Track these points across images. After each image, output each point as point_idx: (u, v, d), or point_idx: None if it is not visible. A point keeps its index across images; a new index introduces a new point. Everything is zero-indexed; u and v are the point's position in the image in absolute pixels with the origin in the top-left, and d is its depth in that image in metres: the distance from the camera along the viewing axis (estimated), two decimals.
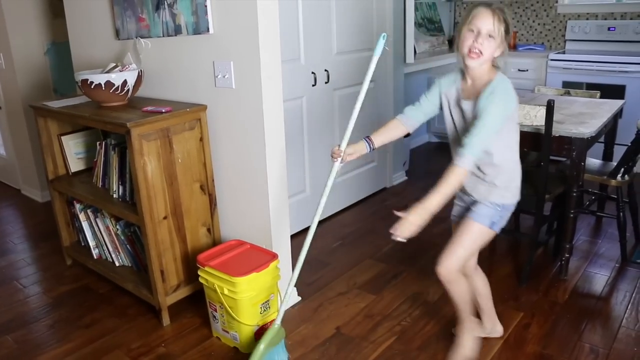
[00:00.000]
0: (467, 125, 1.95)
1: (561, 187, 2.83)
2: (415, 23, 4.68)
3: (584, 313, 2.57)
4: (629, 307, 2.60)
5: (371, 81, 4.01)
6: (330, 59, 3.52)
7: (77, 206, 2.97)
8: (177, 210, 2.53)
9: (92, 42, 3.12)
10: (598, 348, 2.31)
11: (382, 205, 3.97)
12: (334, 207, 3.81)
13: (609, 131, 3.24)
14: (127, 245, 2.80)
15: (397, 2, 3.98)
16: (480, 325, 2.36)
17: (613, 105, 3.12)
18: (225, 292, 2.27)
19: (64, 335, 2.55)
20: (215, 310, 2.41)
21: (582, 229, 3.45)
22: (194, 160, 2.55)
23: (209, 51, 2.47)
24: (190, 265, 2.60)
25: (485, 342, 2.36)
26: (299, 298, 2.76)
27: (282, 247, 2.61)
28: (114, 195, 2.70)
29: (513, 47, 5.21)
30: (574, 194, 2.75)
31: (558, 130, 2.64)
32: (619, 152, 3.09)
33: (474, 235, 2.04)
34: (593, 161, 3.23)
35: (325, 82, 3.49)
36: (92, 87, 2.56)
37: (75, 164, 3.08)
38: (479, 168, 1.99)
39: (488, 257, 3.14)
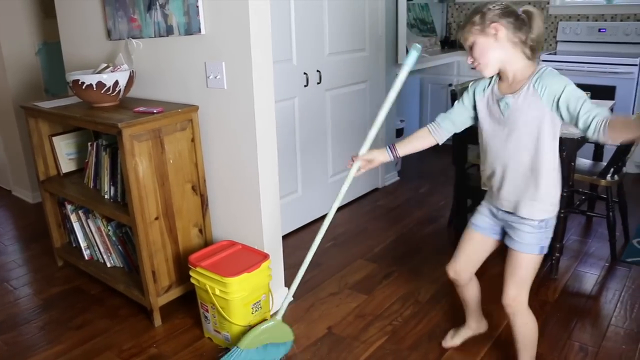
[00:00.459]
0: (511, 129, 1.79)
1: None
2: (407, 24, 4.69)
3: (574, 312, 2.59)
4: (618, 306, 2.62)
5: (363, 82, 4.05)
6: (322, 59, 3.52)
7: (68, 207, 2.96)
8: (169, 210, 2.52)
9: (83, 42, 3.11)
10: (587, 346, 2.33)
11: (374, 205, 3.98)
12: (326, 207, 3.79)
13: None
14: (119, 246, 2.80)
15: (389, 3, 4.00)
16: (466, 328, 2.35)
17: (603, 106, 3.13)
18: (217, 292, 2.27)
19: (55, 336, 2.54)
20: (207, 311, 2.41)
21: (573, 228, 3.47)
22: (186, 161, 2.55)
23: (201, 52, 2.47)
24: (182, 265, 2.60)
25: (476, 341, 2.37)
26: (291, 298, 2.76)
27: (274, 248, 2.61)
28: (106, 196, 2.70)
29: None
30: (564, 194, 2.76)
31: None
32: (608, 152, 3.11)
33: (528, 266, 1.91)
34: (583, 161, 3.26)
35: (318, 83, 3.50)
36: (84, 87, 2.55)
37: (67, 165, 3.07)
38: (522, 179, 1.82)
39: None
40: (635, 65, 4.28)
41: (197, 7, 2.38)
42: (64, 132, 3.04)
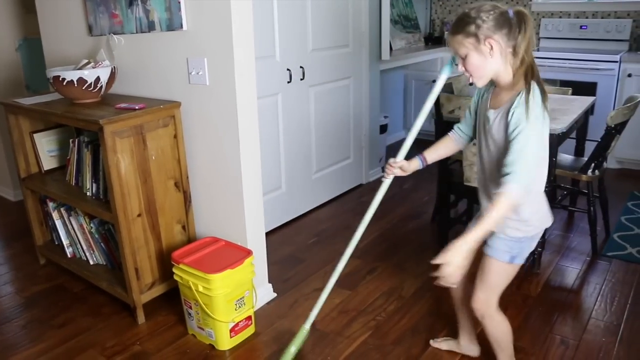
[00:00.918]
0: (488, 140, 1.77)
1: None
2: (391, 20, 4.70)
3: (556, 305, 2.62)
4: (598, 299, 2.65)
5: (346, 78, 4.05)
6: (305, 55, 3.52)
7: (50, 204, 2.94)
8: (152, 207, 2.51)
9: (64, 38, 3.08)
10: (568, 339, 2.36)
11: (358, 201, 3.99)
12: (310, 203, 3.82)
13: (580, 127, 3.30)
14: (101, 244, 2.78)
15: None
16: (457, 342, 2.32)
17: (584, 102, 3.18)
18: (200, 289, 2.26)
19: (37, 335, 2.52)
20: (191, 308, 2.40)
21: (555, 223, 3.49)
22: (168, 157, 2.54)
23: (183, 47, 2.46)
24: (165, 262, 2.59)
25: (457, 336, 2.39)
26: (275, 294, 2.77)
27: (257, 244, 2.61)
28: (88, 193, 2.68)
29: None
30: (546, 189, 2.79)
31: None
32: (590, 147, 3.14)
33: (495, 272, 1.87)
34: (565, 157, 3.29)
35: (301, 79, 3.50)
36: (64, 83, 2.53)
37: (48, 162, 3.04)
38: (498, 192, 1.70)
39: None
40: (616, 62, 4.33)
41: (179, 2, 2.37)
42: (46, 129, 3.01)
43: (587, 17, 4.90)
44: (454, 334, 2.39)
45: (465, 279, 2.04)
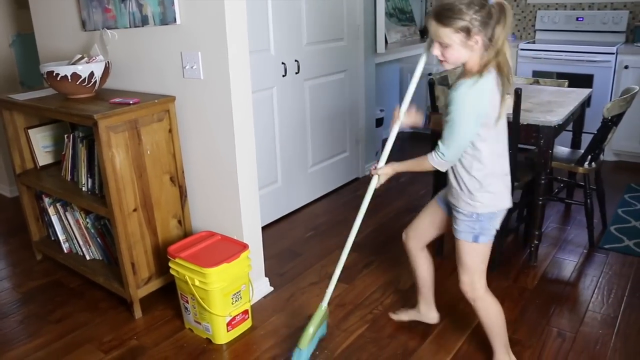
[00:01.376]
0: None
1: (530, 174, 2.88)
2: (386, 13, 4.69)
3: (553, 298, 2.62)
4: (595, 292, 2.66)
5: (341, 71, 4.05)
6: (300, 49, 3.51)
7: (46, 200, 2.93)
8: (147, 202, 2.51)
9: (57, 33, 3.06)
10: (565, 332, 2.36)
11: (354, 195, 3.99)
12: (306, 197, 3.81)
13: (577, 119, 3.30)
14: (98, 239, 2.77)
15: None
16: (415, 310, 2.41)
17: (580, 94, 3.17)
18: (197, 283, 2.26)
19: (35, 330, 2.52)
20: (187, 302, 2.40)
21: (552, 216, 3.51)
22: (163, 152, 2.53)
23: (177, 42, 2.44)
24: (161, 257, 2.59)
25: (456, 327, 2.40)
26: (271, 288, 2.77)
27: (253, 238, 2.60)
28: (83, 188, 2.67)
29: None
30: (542, 182, 2.79)
31: (526, 118, 2.68)
32: (586, 140, 3.14)
33: (466, 252, 1.98)
34: (561, 149, 3.29)
35: (296, 73, 3.49)
36: (58, 79, 2.51)
37: (43, 158, 3.03)
38: (454, 170, 1.92)
39: None
40: (613, 53, 4.33)
41: None
42: (40, 125, 2.99)
43: (583, 9, 4.89)
44: (451, 327, 2.40)
45: (420, 238, 2.22)
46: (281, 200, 3.59)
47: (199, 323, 2.38)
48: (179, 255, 2.33)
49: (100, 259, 2.84)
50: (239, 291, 2.36)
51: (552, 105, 2.89)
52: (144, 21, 2.52)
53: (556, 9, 5.00)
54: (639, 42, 4.49)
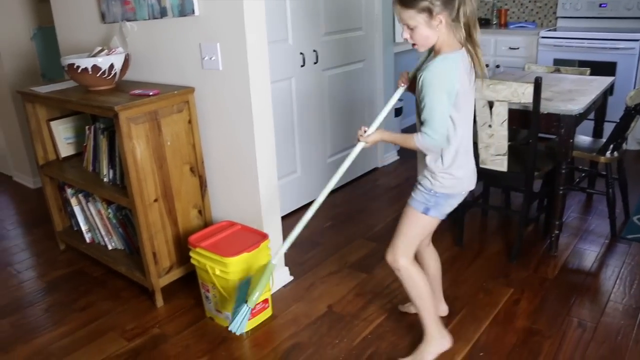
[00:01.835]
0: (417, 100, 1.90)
1: (551, 164, 2.85)
2: None
3: (573, 288, 2.60)
4: (617, 282, 2.63)
5: (360, 61, 4.03)
6: (318, 39, 3.50)
7: (69, 191, 2.97)
8: (168, 192, 2.53)
9: (77, 26, 3.10)
10: (586, 322, 2.34)
11: (373, 185, 3.99)
12: (318, 191, 3.81)
13: (599, 108, 3.25)
14: (119, 229, 2.81)
15: None
16: None
17: (602, 82, 3.13)
18: (217, 272, 2.29)
19: (59, 318, 2.57)
20: (208, 291, 2.43)
21: (573, 205, 3.47)
22: (183, 143, 2.55)
23: (195, 33, 2.45)
24: (182, 246, 2.62)
25: (475, 317, 2.39)
26: (291, 277, 2.79)
27: (273, 228, 2.62)
28: (105, 179, 2.71)
29: (504, 25, 5.19)
30: (563, 171, 2.76)
31: (546, 107, 2.65)
32: (609, 128, 3.10)
33: (409, 220, 2.01)
34: (583, 138, 3.25)
35: (314, 63, 3.48)
36: (79, 71, 2.54)
37: (65, 149, 3.07)
38: None
39: (478, 234, 3.17)
40: (637, 40, 4.25)
41: None
42: (62, 117, 3.03)
43: None
44: (470, 316, 2.40)
45: (423, 246, 2.21)
46: (300, 190, 3.60)
47: (220, 312, 2.41)
48: (199, 245, 2.35)
49: (122, 248, 2.88)
50: None
51: (574, 94, 2.85)
52: (163, 13, 2.53)
53: None
54: None
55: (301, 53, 3.37)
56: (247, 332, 2.37)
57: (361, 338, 2.32)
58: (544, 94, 2.64)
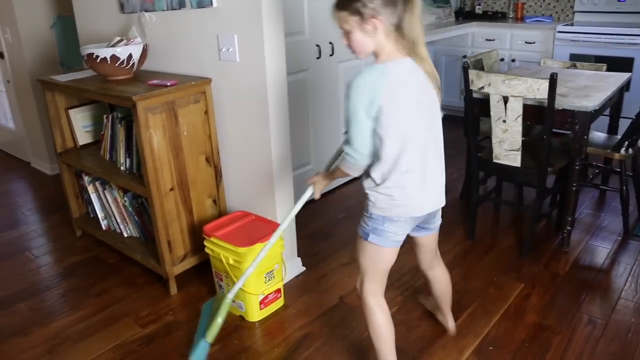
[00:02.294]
0: None
1: (564, 160, 2.85)
2: None
3: (584, 285, 2.61)
4: (628, 280, 2.63)
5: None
6: (334, 31, 3.48)
7: (86, 178, 3.02)
8: (183, 181, 2.57)
9: (97, 16, 3.13)
10: (596, 319, 2.35)
11: None
12: (338, 180, 3.83)
13: (615, 104, 3.24)
14: (135, 217, 2.85)
15: None
16: (438, 308, 2.29)
17: (619, 78, 3.11)
18: (231, 262, 2.32)
19: (75, 303, 2.63)
20: (221, 280, 2.46)
21: (586, 202, 3.46)
22: (199, 133, 2.58)
23: (213, 24, 2.48)
24: (197, 235, 2.65)
25: (485, 312, 2.41)
26: (303, 268, 2.82)
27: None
28: (121, 168, 2.75)
29: (520, 19, 5.16)
30: (577, 167, 2.76)
31: (561, 103, 2.64)
32: (624, 125, 3.08)
33: (358, 250, 1.87)
34: (597, 134, 3.24)
35: (330, 55, 3.49)
36: (98, 61, 2.58)
37: (83, 137, 3.12)
38: None
39: (490, 229, 3.18)
40: None
41: None
42: (80, 105, 3.08)
43: None
44: (480, 310, 2.42)
45: (421, 261, 2.12)
46: None
47: (233, 301, 2.44)
48: (214, 234, 2.39)
49: (137, 236, 2.92)
50: (272, 270, 2.42)
51: (589, 90, 2.84)
52: (181, 4, 2.55)
53: None
54: None
55: (317, 45, 3.38)
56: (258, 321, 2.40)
57: None
58: (559, 90, 2.64)
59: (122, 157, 2.74)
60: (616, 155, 2.95)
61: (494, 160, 2.81)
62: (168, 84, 2.45)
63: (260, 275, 2.37)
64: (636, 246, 2.93)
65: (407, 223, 1.79)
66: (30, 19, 4.04)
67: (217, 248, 2.37)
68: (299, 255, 2.82)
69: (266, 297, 2.42)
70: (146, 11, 2.74)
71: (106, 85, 2.60)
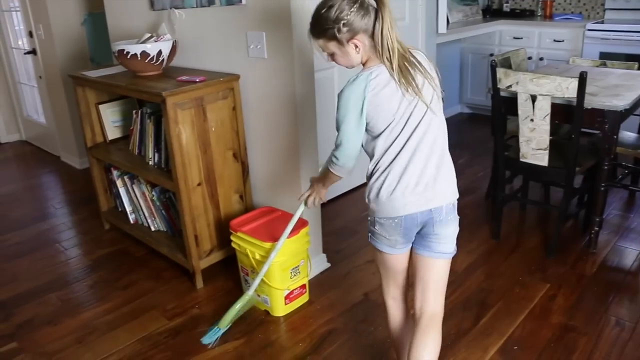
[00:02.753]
0: None
1: (593, 160, 2.81)
2: None
3: (612, 286, 2.57)
4: None
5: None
6: None
7: (115, 173, 3.07)
8: (211, 177, 2.60)
9: (127, 12, 3.18)
10: (624, 321, 2.32)
11: None
12: (363, 176, 3.83)
13: None
14: (163, 211, 2.90)
15: None
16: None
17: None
18: (257, 257, 2.34)
19: (104, 295, 2.68)
20: (247, 275, 2.49)
21: (614, 203, 3.42)
22: (227, 129, 2.61)
23: (242, 22, 2.50)
24: (223, 230, 2.68)
25: (510, 311, 2.40)
26: (328, 264, 2.83)
27: (313, 215, 2.66)
28: (150, 162, 2.79)
29: (549, 17, 5.10)
30: (605, 167, 2.73)
31: (591, 102, 2.61)
32: None
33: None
34: (627, 134, 3.19)
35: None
36: (128, 57, 2.62)
37: (112, 132, 3.17)
38: None
39: (516, 228, 3.15)
40: None
41: None
42: (110, 101, 3.13)
43: None
44: (505, 310, 2.40)
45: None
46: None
47: (258, 295, 2.47)
48: (240, 229, 2.41)
49: (165, 230, 2.97)
50: (298, 266, 2.43)
51: (620, 89, 2.80)
52: (210, 1, 2.58)
53: None
54: None
55: None
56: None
57: None
58: (588, 89, 2.61)
59: (150, 152, 2.78)
60: None
61: (521, 160, 2.79)
62: (197, 80, 2.47)
63: (286, 271, 2.39)
64: None
65: (396, 228, 1.69)
66: (62, 16, 4.12)
67: (244, 243, 2.40)
68: (324, 252, 2.84)
69: (291, 293, 2.44)
70: (176, 8, 2.77)
71: (136, 81, 2.64)
